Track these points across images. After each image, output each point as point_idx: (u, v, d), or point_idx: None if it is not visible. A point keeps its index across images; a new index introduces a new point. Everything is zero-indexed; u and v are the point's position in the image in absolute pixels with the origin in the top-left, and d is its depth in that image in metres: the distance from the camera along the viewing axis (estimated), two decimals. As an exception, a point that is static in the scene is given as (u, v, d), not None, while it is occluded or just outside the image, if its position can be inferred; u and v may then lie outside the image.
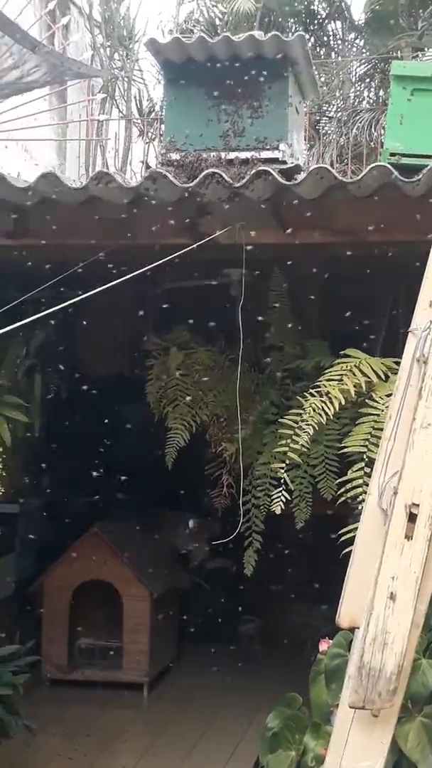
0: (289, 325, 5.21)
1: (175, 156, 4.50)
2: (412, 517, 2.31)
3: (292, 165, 4.45)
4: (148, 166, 9.26)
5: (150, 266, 4.00)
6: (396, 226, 4.23)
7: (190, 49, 4.51)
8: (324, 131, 9.75)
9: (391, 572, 2.30)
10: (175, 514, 7.52)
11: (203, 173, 4.02)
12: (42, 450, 6.33)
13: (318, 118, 9.84)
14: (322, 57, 10.58)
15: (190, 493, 6.71)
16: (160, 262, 4.05)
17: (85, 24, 9.92)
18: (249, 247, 4.33)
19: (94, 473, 6.95)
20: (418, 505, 2.31)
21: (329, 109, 10.14)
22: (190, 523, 7.61)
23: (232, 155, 4.44)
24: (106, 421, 6.52)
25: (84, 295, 3.79)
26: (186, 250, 4.16)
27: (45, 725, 5.36)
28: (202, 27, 10.37)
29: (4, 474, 4.95)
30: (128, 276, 3.93)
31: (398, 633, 2.25)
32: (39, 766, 5.20)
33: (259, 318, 5.17)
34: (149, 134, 9.94)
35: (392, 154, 4.25)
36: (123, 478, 6.89)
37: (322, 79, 10.16)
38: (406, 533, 2.30)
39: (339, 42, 10.90)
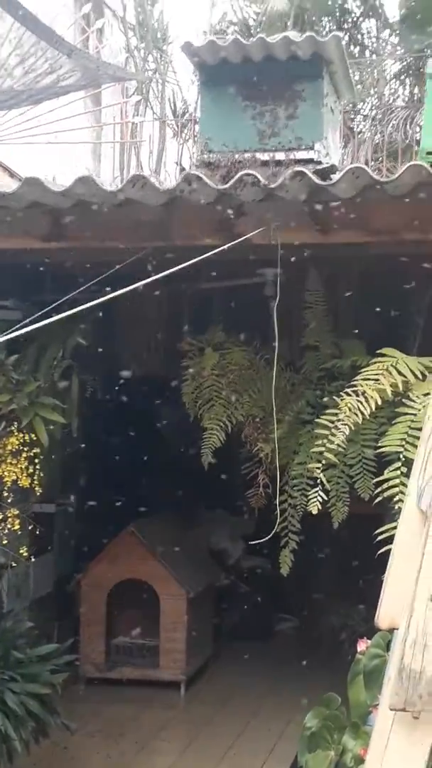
0: (325, 325, 5.21)
1: (210, 157, 4.50)
2: (451, 518, 2.29)
3: (328, 165, 4.44)
4: (182, 167, 9.28)
5: (183, 265, 4.01)
6: (432, 224, 4.20)
7: (226, 51, 4.52)
8: (358, 129, 9.69)
9: (431, 574, 2.28)
10: (211, 514, 7.55)
11: (238, 175, 4.03)
12: (79, 450, 6.38)
13: (352, 116, 9.78)
14: (356, 55, 10.52)
15: (226, 493, 6.73)
16: (194, 261, 4.06)
17: (119, 27, 9.95)
18: (284, 248, 4.33)
19: (131, 473, 6.99)
20: (458, 506, 2.29)
21: (363, 107, 10.08)
22: (226, 523, 7.63)
23: (267, 156, 4.44)
24: (142, 421, 6.56)
25: (112, 294, 3.82)
26: (219, 249, 4.16)
27: (83, 724, 5.42)
28: (236, 28, 10.35)
29: (41, 474, 4.99)
30: (160, 275, 3.95)
31: (439, 635, 2.24)
32: (77, 765, 5.24)
33: (295, 318, 5.17)
34: (183, 135, 9.94)
35: (429, 153, 4.22)
36: (159, 477, 6.93)
37: (356, 77, 10.10)
38: (447, 534, 2.29)
39: (373, 40, 10.84)
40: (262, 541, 4.81)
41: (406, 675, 2.25)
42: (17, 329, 3.73)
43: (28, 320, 4.07)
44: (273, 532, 4.78)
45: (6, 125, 6.87)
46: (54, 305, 4.34)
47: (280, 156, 4.42)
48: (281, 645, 7.29)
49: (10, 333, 3.67)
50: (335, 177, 4.05)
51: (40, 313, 4.24)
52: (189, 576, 6.57)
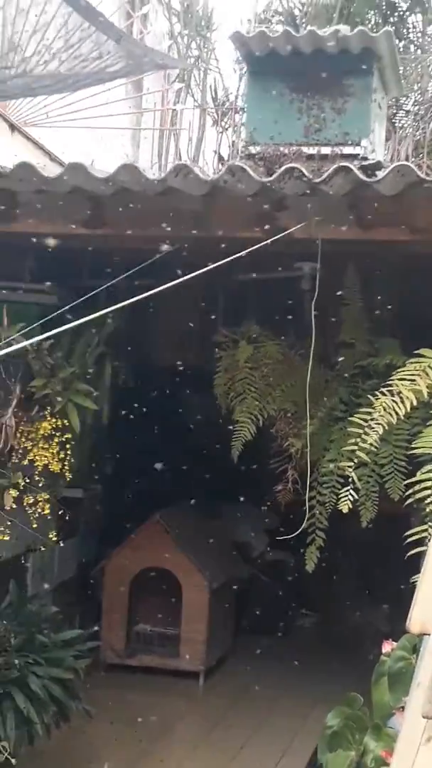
0: (361, 323, 5.16)
1: (255, 149, 4.47)
2: None
3: (374, 161, 4.39)
4: (220, 156, 9.24)
5: (225, 260, 3.99)
6: None
7: (275, 43, 4.48)
8: (400, 125, 9.60)
9: (467, 582, 2.26)
10: (238, 506, 7.54)
11: (283, 168, 3.99)
12: (109, 437, 6.39)
13: (395, 111, 9.69)
14: (401, 50, 10.41)
15: (252, 486, 6.72)
16: (236, 256, 4.04)
17: (163, 12, 9.92)
18: (325, 243, 4.29)
19: (159, 462, 6.99)
20: None
21: (406, 102, 9.99)
22: (251, 516, 7.61)
23: (312, 150, 4.40)
24: (173, 411, 6.55)
25: (154, 290, 3.80)
26: (262, 244, 4.13)
27: (102, 710, 5.42)
28: (281, 18, 10.29)
29: (72, 459, 5.00)
30: (200, 271, 3.93)
31: (473, 644, 2.21)
32: (95, 750, 5.27)
33: (331, 314, 5.12)
34: (223, 124, 9.90)
35: None
36: (187, 468, 6.92)
37: (400, 72, 10.01)
38: None
39: (419, 35, 10.72)
40: (289, 537, 4.79)
41: (439, 683, 2.23)
42: (55, 317, 3.72)
43: (66, 307, 4.07)
44: (301, 528, 4.76)
45: (47, 108, 6.87)
46: (91, 293, 4.34)
47: (326, 150, 4.38)
48: (302, 640, 7.28)
49: (52, 325, 3.65)
50: (380, 174, 4.01)
51: (76, 301, 4.25)
52: (212, 567, 6.57)
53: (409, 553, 3.92)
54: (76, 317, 4.23)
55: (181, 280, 3.76)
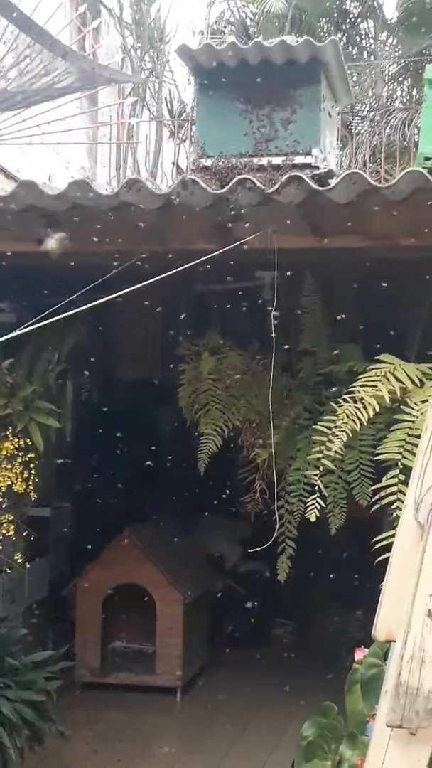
0: (322, 330, 5.18)
1: (206, 162, 4.47)
2: (449, 534, 2.26)
3: (325, 170, 4.41)
4: (179, 168, 9.26)
5: (178, 269, 3.99)
6: (431, 230, 4.17)
7: (222, 55, 4.48)
8: (357, 131, 9.67)
9: (428, 589, 2.26)
10: (208, 518, 7.52)
11: (234, 179, 3.99)
12: (74, 454, 6.35)
13: (351, 117, 9.76)
14: (354, 56, 10.50)
15: (223, 497, 6.70)
16: (190, 264, 4.04)
17: (115, 26, 9.92)
18: (281, 252, 4.30)
19: (127, 477, 6.95)
20: (455, 521, 2.26)
21: (362, 108, 10.06)
22: (223, 527, 7.59)
23: (264, 161, 4.41)
24: (138, 425, 6.51)
25: (107, 297, 3.79)
26: (216, 253, 4.14)
27: (78, 730, 5.38)
28: (233, 28, 10.33)
29: (36, 479, 4.95)
30: (154, 279, 3.92)
31: (436, 651, 2.21)
32: (72, 771, 5.21)
33: (292, 323, 5.13)
34: (180, 135, 9.92)
35: (426, 159, 4.19)
36: (155, 482, 6.89)
37: (354, 79, 10.08)
38: (444, 550, 2.26)
39: (371, 41, 10.81)
40: (259, 549, 4.78)
41: (403, 691, 2.22)
42: (14, 333, 3.70)
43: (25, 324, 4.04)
44: (272, 539, 4.75)
45: (1, 126, 6.83)
46: (50, 310, 4.31)
47: (277, 161, 4.38)
48: (278, 650, 7.25)
49: (5, 337, 3.63)
50: (332, 182, 4.02)
51: (37, 318, 4.22)
52: (186, 581, 6.54)
53: (378, 559, 3.92)
54: (35, 335, 4.21)
55: (133, 288, 3.75)
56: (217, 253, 4.10)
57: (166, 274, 3.96)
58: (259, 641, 7.31)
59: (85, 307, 3.85)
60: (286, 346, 5.15)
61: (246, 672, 6.69)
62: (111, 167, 9.57)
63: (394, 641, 2.51)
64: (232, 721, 5.96)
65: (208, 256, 4.08)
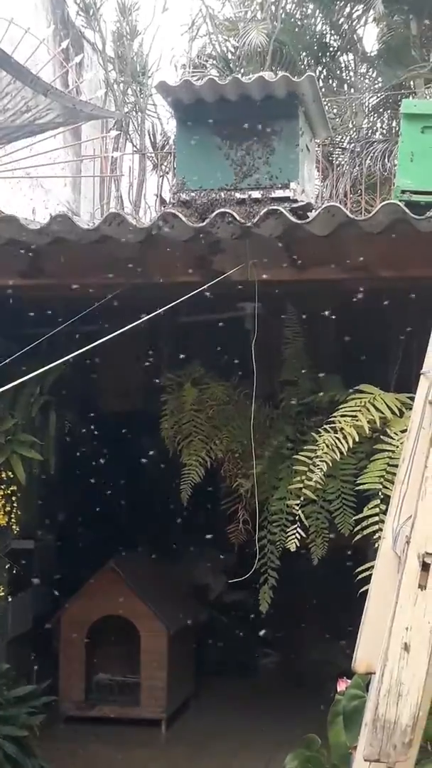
0: (303, 360, 5.21)
1: (186, 196, 4.52)
2: (425, 567, 2.27)
3: (303, 203, 4.47)
4: (162, 200, 9.32)
5: (165, 307, 4.04)
6: (408, 262, 4.23)
7: (201, 91, 4.55)
8: (337, 162, 9.78)
9: (404, 623, 2.27)
10: (191, 550, 7.50)
11: (214, 213, 4.05)
12: (57, 486, 6.33)
13: (331, 149, 9.87)
14: (335, 89, 10.65)
15: (207, 528, 6.70)
16: (175, 303, 4.08)
17: (98, 61, 10.02)
18: (261, 284, 4.34)
19: (110, 508, 6.93)
20: (431, 554, 2.28)
21: (342, 140, 10.18)
22: (207, 558, 7.58)
23: (243, 195, 4.46)
24: (122, 456, 6.51)
25: (100, 341, 3.83)
26: (199, 290, 4.18)
27: (62, 764, 5.32)
28: (215, 62, 10.46)
29: (19, 512, 4.94)
30: (143, 319, 3.97)
31: (413, 685, 2.21)
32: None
33: (274, 353, 5.17)
34: (163, 168, 10.01)
35: (403, 191, 4.26)
36: (139, 513, 6.88)
37: (335, 111, 10.22)
38: (420, 583, 2.27)
39: (351, 74, 10.96)
40: (242, 579, 4.78)
41: (380, 725, 2.23)
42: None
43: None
44: (253, 569, 4.75)
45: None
46: (34, 344, 4.34)
47: (256, 195, 4.44)
48: (263, 681, 7.22)
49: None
50: (311, 215, 4.08)
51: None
52: (170, 612, 6.51)
53: (360, 590, 3.93)
54: (17, 368, 4.22)
55: (117, 333, 3.78)
56: (201, 289, 4.15)
57: (153, 314, 4.01)
58: (245, 671, 7.27)
59: (72, 355, 3.88)
60: (268, 376, 5.18)
61: (231, 702, 6.65)
62: (95, 200, 9.63)
63: (374, 673, 2.52)
64: (217, 754, 5.91)
65: (191, 294, 4.12)
